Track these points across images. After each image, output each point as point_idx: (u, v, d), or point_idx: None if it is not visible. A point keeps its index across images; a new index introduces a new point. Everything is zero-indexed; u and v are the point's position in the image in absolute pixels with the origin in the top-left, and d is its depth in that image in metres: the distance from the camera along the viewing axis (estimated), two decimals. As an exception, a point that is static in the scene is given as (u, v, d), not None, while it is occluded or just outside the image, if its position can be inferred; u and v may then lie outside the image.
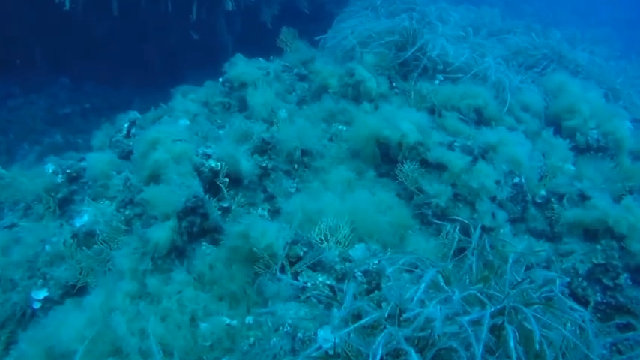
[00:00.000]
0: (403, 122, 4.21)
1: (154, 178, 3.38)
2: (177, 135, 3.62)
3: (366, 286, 2.88)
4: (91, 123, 7.85)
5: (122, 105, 8.03)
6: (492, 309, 2.32)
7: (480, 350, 1.98)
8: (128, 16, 7.21)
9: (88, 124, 7.84)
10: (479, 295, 2.43)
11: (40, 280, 3.00)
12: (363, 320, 2.25)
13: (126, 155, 4.17)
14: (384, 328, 2.28)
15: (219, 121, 4.90)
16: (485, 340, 2.05)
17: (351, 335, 2.24)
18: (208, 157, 3.56)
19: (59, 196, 4.00)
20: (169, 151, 3.40)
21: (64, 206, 4.02)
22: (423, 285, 2.42)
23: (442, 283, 2.69)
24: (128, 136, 4.29)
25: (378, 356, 1.92)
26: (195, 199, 3.01)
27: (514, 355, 2.11)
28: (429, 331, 2.26)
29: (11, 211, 4.19)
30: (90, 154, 4.16)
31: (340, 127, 4.77)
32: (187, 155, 3.40)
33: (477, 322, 2.31)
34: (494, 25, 9.32)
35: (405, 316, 2.21)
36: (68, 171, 4.15)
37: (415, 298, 2.35)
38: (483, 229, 3.64)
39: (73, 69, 8.48)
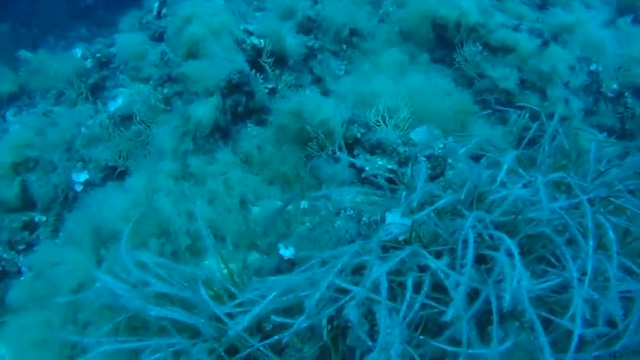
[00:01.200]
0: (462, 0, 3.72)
1: (192, 55, 3.06)
2: (214, 9, 3.23)
3: (430, 172, 2.60)
4: (115, 15, 7.44)
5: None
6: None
7: (592, 243, 1.70)
8: None
9: (113, 17, 7.42)
10: (570, 180, 2.11)
11: (80, 163, 2.81)
12: (441, 202, 1.99)
13: (158, 36, 3.82)
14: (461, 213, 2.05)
15: (255, 3, 4.45)
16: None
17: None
18: (250, 33, 3.20)
19: (90, 81, 3.74)
20: (207, 25, 3.04)
21: (96, 92, 3.77)
22: (505, 166, 2.13)
23: (520, 169, 2.40)
24: (159, 16, 3.92)
25: (471, 240, 1.67)
26: (240, 74, 2.70)
27: (614, 248, 1.81)
28: (513, 216, 2.01)
29: (43, 99, 3.97)
30: (119, 35, 3.83)
31: (390, 8, 4.28)
32: (227, 28, 3.03)
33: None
34: None
35: (490, 198, 1.93)
36: (98, 55, 3.86)
37: (498, 180, 2.07)
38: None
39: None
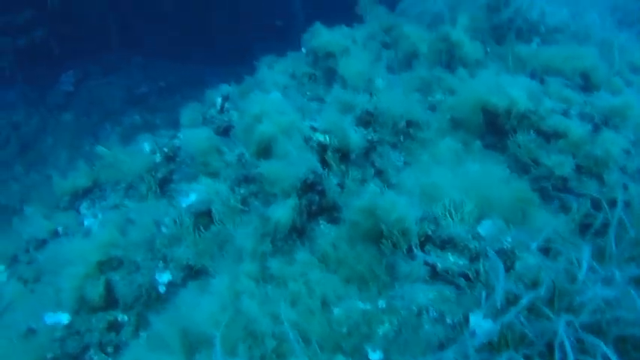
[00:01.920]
0: (511, 88, 3.89)
1: (263, 153, 3.26)
2: (280, 107, 3.47)
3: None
4: (167, 101, 7.94)
5: (194, 81, 8.06)
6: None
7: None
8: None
9: (164, 102, 7.93)
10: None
11: (161, 263, 2.96)
12: (524, 301, 2.04)
13: (222, 131, 4.08)
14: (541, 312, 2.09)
15: (308, 93, 4.74)
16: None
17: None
18: (315, 129, 3.40)
19: (159, 175, 3.98)
20: (277, 124, 3.25)
21: (164, 185, 4.00)
22: (585, 265, 2.18)
23: (594, 263, 2.44)
24: (222, 111, 4.20)
25: (569, 347, 1.71)
26: (315, 174, 2.86)
27: None
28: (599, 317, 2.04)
29: (113, 191, 4.22)
30: (185, 131, 4.11)
31: (438, 96, 4.49)
32: (296, 126, 3.24)
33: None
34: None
35: (577, 300, 1.98)
36: (165, 149, 4.12)
37: (580, 279, 2.12)
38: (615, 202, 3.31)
39: (144, 47, 8.55)
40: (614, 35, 5.35)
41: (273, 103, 3.46)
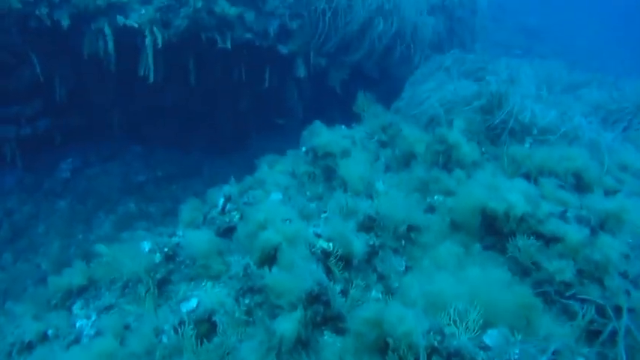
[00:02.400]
0: (509, 192, 3.99)
1: (266, 261, 3.25)
2: (284, 214, 3.50)
3: (511, 383, 2.59)
4: (164, 191, 7.99)
5: (192, 172, 8.18)
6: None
7: None
8: (200, 84, 7.39)
9: (161, 192, 7.97)
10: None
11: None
12: None
13: (222, 232, 4.09)
14: None
15: (308, 193, 4.80)
16: None
17: None
18: (318, 236, 3.42)
19: (158, 276, 3.92)
20: (282, 232, 3.28)
21: (162, 286, 3.93)
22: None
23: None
24: (223, 212, 4.22)
25: None
26: (320, 286, 2.84)
27: None
28: None
29: (108, 290, 4.13)
30: (187, 233, 4.09)
31: (436, 197, 4.58)
32: (301, 236, 3.26)
33: None
34: (563, 79, 9.11)
35: None
36: (165, 249, 4.08)
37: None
38: (620, 309, 3.31)
39: (144, 135, 8.73)
40: (601, 136, 5.58)
41: (277, 210, 3.49)
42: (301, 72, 7.19)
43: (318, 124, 5.81)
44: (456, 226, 4.18)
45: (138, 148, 8.38)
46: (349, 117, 9.15)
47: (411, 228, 3.90)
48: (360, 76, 8.51)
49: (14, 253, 6.82)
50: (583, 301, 3.44)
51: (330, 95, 8.41)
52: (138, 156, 8.31)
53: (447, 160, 4.97)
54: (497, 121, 5.17)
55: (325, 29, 7.13)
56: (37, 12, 6.24)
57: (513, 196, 3.93)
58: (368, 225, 3.78)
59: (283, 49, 7.04)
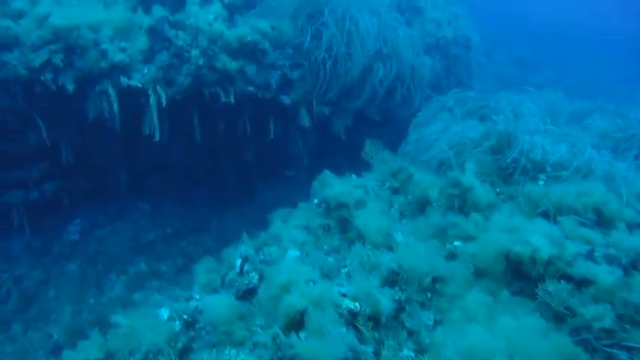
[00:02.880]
0: (531, 234, 3.91)
1: (292, 326, 3.13)
2: (306, 274, 3.41)
3: None
4: (174, 248, 7.89)
5: (201, 226, 8.10)
6: None
7: None
8: (205, 139, 7.40)
9: (171, 249, 7.87)
10: None
11: None
12: None
13: (242, 295, 3.97)
14: None
15: (325, 247, 4.71)
16: None
17: None
18: (344, 296, 3.31)
19: (179, 345, 3.79)
20: (306, 295, 3.17)
21: (184, 355, 3.79)
22: None
23: None
24: (242, 273, 4.11)
25: None
26: (353, 352, 2.72)
27: None
28: None
29: (127, 363, 3.99)
30: (206, 297, 3.98)
31: (456, 242, 4.49)
32: (326, 297, 3.15)
33: None
34: (565, 109, 9.14)
35: None
36: (184, 316, 3.96)
37: None
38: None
39: (150, 192, 8.69)
40: (615, 167, 5.53)
41: (298, 270, 3.40)
42: (305, 122, 7.21)
43: (327, 174, 5.78)
44: (480, 273, 4.07)
45: (145, 206, 8.33)
46: (354, 161, 9.15)
47: (435, 279, 3.79)
48: (362, 120, 8.55)
49: (24, 322, 6.66)
50: (630, 349, 3.30)
51: (334, 141, 8.42)
52: (145, 214, 8.24)
53: (462, 203, 4.90)
54: (508, 160, 5.13)
55: (326, 78, 7.20)
56: (42, 78, 6.30)
57: (536, 238, 3.84)
58: (392, 279, 3.68)
59: (286, 100, 7.08)
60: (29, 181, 7.16)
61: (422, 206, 5.15)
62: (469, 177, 4.84)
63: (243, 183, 8.89)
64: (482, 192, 4.82)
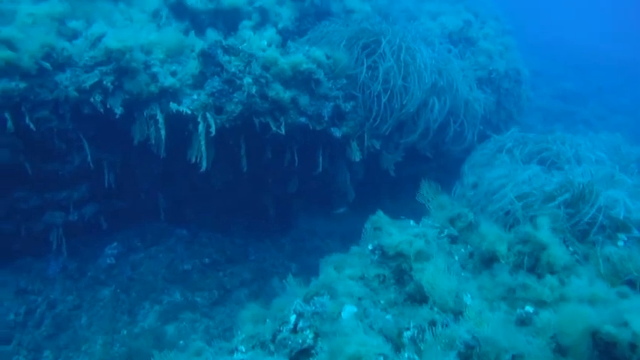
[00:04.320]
0: (629, 313, 3.45)
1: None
2: (377, 347, 3.04)
3: None
4: (210, 279, 7.62)
5: (238, 257, 7.81)
6: None
7: None
8: (250, 168, 7.14)
9: (207, 280, 7.60)
10: None
11: None
12: None
13: (295, 356, 3.62)
14: None
15: (382, 302, 4.33)
16: None
17: None
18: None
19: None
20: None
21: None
22: None
23: None
24: (295, 330, 3.77)
25: None
26: None
27: None
28: None
29: None
30: (256, 357, 3.63)
31: (527, 307, 4.05)
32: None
33: None
34: (632, 153, 8.57)
35: None
36: (230, 374, 3.64)
37: None
38: None
39: (188, 218, 8.47)
40: None
41: (368, 344, 3.03)
42: (356, 156, 6.89)
43: (381, 216, 5.44)
44: (562, 351, 3.62)
45: (183, 232, 8.10)
46: (398, 195, 8.80)
47: (515, 357, 3.36)
48: (412, 155, 8.19)
49: (55, 349, 6.44)
50: None
51: (382, 175, 8.07)
52: (183, 240, 8.00)
53: (534, 263, 4.47)
54: (586, 218, 4.68)
55: (380, 112, 6.88)
56: (91, 99, 6.16)
57: (637, 320, 3.38)
58: (466, 354, 3.27)
59: (337, 132, 6.78)
60: (70, 203, 6.99)
61: (487, 261, 4.73)
62: (545, 234, 4.41)
63: (283, 212, 8.59)
64: (558, 252, 4.38)
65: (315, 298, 4.40)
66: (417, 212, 6.07)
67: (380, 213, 5.49)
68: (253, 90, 6.14)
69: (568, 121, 18.29)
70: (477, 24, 12.46)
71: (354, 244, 5.31)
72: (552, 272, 4.38)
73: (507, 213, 5.16)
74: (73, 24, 6.62)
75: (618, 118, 19.26)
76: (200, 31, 7.42)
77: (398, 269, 4.66)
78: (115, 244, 7.83)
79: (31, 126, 5.99)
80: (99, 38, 6.31)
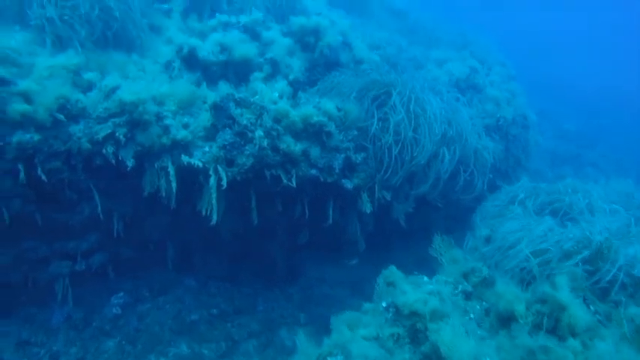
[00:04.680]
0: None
1: None
2: None
3: None
4: (217, 330, 7.46)
5: (246, 307, 7.68)
6: None
7: None
8: (260, 219, 7.09)
9: (214, 332, 7.45)
10: None
11: None
12: None
13: None
14: None
15: (398, 365, 4.20)
16: None
17: None
18: None
19: None
20: None
21: None
22: None
23: None
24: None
25: None
26: None
27: None
28: None
29: None
30: None
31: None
32: None
33: None
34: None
35: None
36: None
37: None
38: None
39: (197, 267, 8.37)
40: None
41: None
42: (367, 208, 6.84)
43: (394, 271, 5.34)
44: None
45: (191, 282, 7.99)
46: (409, 244, 8.71)
47: None
48: (422, 204, 8.13)
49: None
50: None
51: (392, 224, 8.00)
52: (191, 290, 7.89)
53: (554, 324, 4.35)
54: (607, 277, 4.58)
55: (391, 163, 6.87)
56: (103, 151, 6.18)
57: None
58: None
59: (348, 184, 6.76)
60: (78, 253, 6.94)
61: (504, 320, 4.61)
62: (564, 294, 4.31)
63: (292, 263, 8.49)
64: (579, 312, 4.27)
65: (329, 358, 4.29)
66: (429, 260, 6.01)
67: (392, 268, 5.40)
68: (265, 143, 6.16)
69: (576, 164, 18.28)
70: (483, 70, 12.65)
71: (363, 293, 5.19)
72: (574, 334, 4.25)
73: (523, 269, 5.06)
74: (88, 75, 6.72)
75: (627, 160, 19.25)
76: (211, 82, 7.53)
77: (412, 328, 4.55)
78: (122, 293, 7.72)
79: (43, 177, 5.99)
80: (113, 90, 6.40)
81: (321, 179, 6.57)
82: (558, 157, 18.85)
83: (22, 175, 5.91)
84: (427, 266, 6.00)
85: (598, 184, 9.15)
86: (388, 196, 7.15)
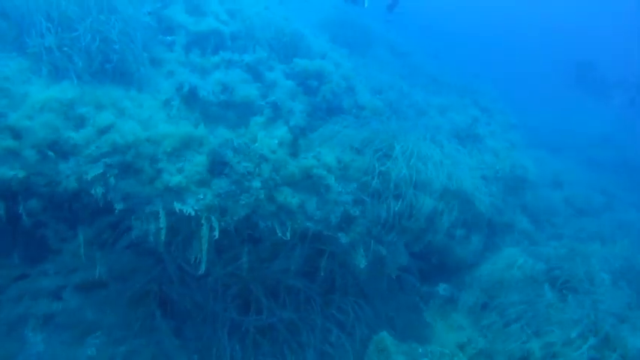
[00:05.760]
0: None
1: None
2: None
3: None
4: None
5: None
6: None
7: None
8: (251, 272, 6.82)
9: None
10: None
11: None
12: None
13: None
14: None
15: None
16: None
17: None
18: None
19: None
20: None
21: None
22: None
23: None
24: None
25: None
26: None
27: None
28: None
29: None
30: None
31: None
32: None
33: None
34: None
35: None
36: None
37: None
38: None
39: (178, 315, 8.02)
40: None
41: None
42: (361, 262, 6.60)
43: (385, 337, 5.10)
44: None
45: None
46: (399, 298, 8.45)
47: None
48: (415, 258, 7.92)
49: None
50: None
51: (385, 278, 7.76)
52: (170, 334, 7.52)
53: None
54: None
55: (389, 220, 6.67)
56: (92, 191, 5.92)
57: None
58: None
59: (343, 238, 6.52)
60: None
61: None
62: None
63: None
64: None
65: None
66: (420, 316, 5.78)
67: (384, 334, 5.16)
68: (262, 195, 5.94)
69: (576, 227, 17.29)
70: (484, 118, 12.62)
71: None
72: None
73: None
74: (82, 110, 6.48)
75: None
76: (211, 121, 7.34)
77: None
78: (99, 332, 7.34)
79: (24, 216, 5.72)
80: (107, 127, 6.17)
81: (317, 232, 6.34)
82: (558, 216, 18.19)
83: (1, 212, 5.64)
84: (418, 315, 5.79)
85: (605, 248, 8.67)
86: (384, 251, 6.92)
